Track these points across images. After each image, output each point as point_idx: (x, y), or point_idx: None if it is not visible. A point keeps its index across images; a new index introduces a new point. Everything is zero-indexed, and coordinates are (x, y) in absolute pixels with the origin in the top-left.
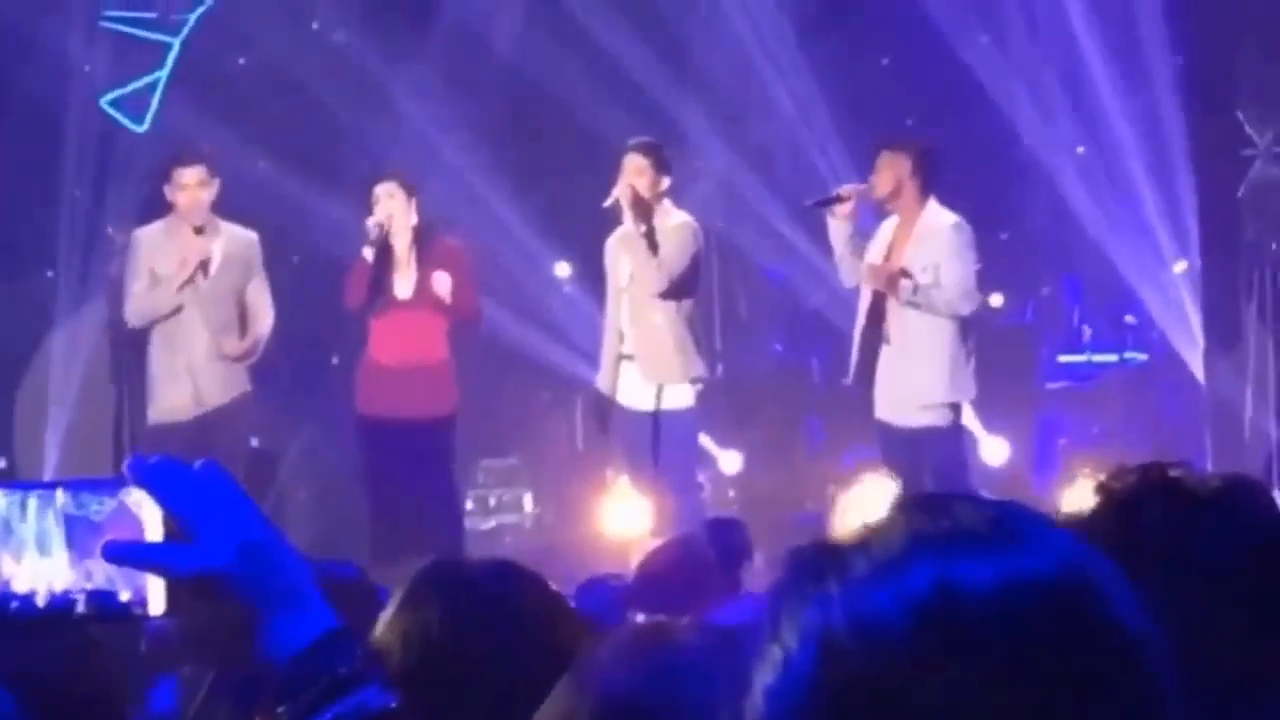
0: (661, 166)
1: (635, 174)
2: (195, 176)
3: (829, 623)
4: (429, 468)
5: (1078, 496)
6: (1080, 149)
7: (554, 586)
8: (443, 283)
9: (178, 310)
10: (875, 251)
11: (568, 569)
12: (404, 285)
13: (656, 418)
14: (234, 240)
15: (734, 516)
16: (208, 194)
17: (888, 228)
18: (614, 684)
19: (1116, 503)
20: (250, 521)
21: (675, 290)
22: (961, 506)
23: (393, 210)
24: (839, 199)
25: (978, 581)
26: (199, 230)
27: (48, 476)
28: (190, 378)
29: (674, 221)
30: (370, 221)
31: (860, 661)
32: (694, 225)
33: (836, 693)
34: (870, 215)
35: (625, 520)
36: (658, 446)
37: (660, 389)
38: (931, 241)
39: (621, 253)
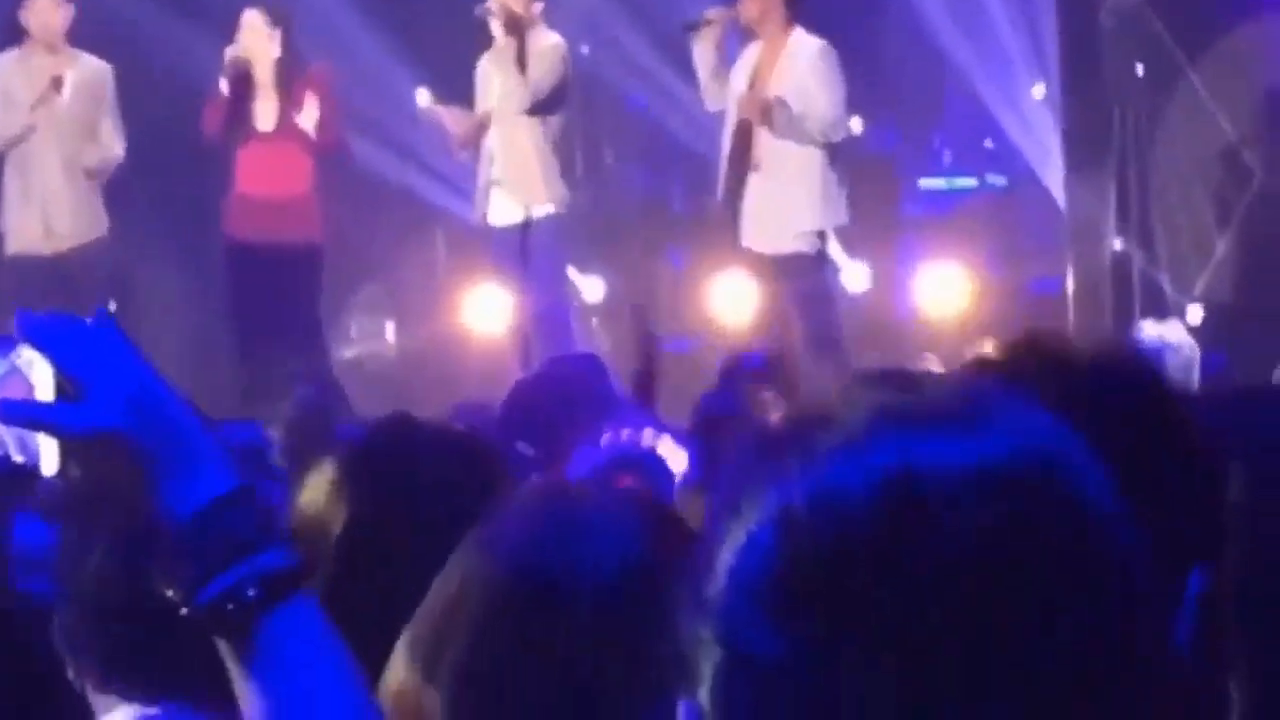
0: None
1: None
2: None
3: (791, 500)
4: (295, 298)
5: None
6: None
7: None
8: (307, 115)
9: (30, 133)
10: (740, 77)
11: (432, 387)
12: (266, 117)
13: (525, 228)
14: (87, 68)
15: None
16: (61, 16)
17: (752, 53)
18: (517, 546)
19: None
20: (143, 378)
21: (541, 109)
22: (930, 384)
23: (255, 40)
24: (706, 22)
25: (944, 461)
26: (52, 51)
27: None
28: (41, 204)
29: (545, 42)
30: (228, 51)
31: (822, 539)
32: (564, 47)
33: (798, 570)
34: (736, 41)
35: (489, 317)
36: (525, 254)
37: (528, 208)
38: (799, 68)
39: (492, 71)
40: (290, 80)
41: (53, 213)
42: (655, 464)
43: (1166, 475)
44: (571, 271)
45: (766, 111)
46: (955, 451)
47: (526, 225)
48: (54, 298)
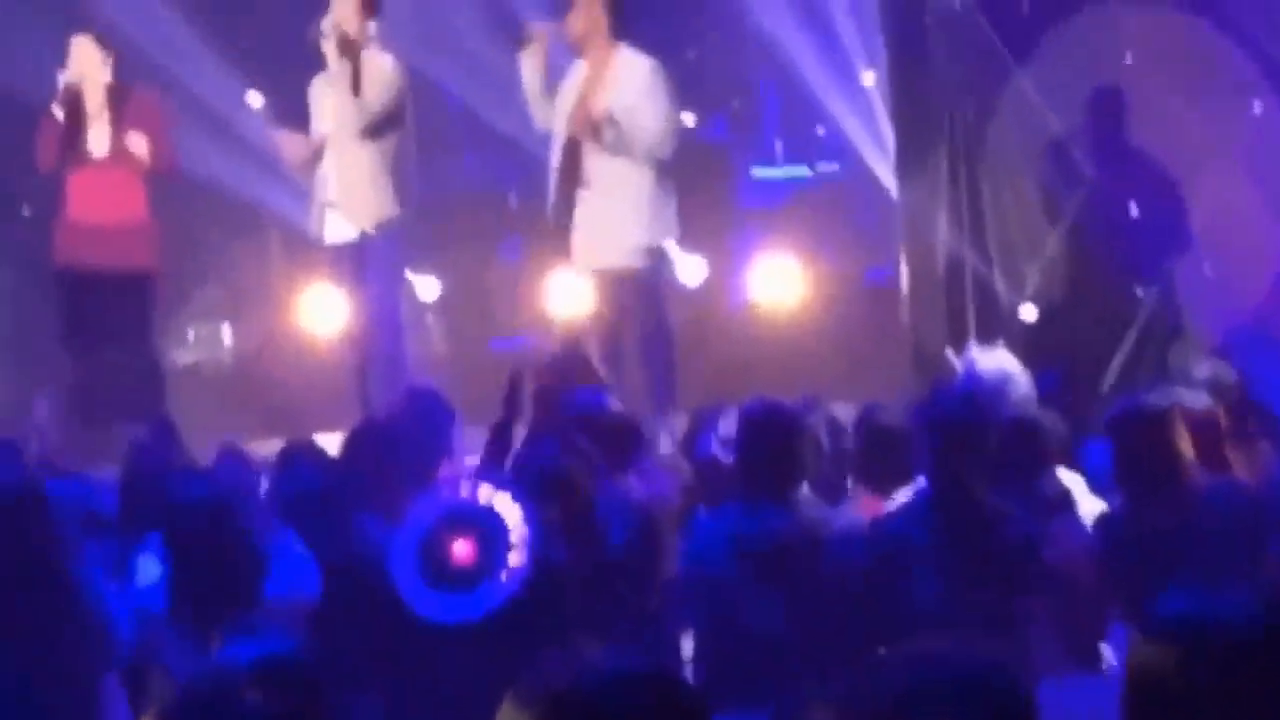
0: (369, 8)
1: (343, 14)
2: None
3: None
4: (129, 326)
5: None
6: None
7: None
8: (138, 142)
9: None
10: (567, 94)
11: (268, 390)
12: (99, 143)
13: (360, 242)
14: None
15: (429, 388)
16: None
17: (579, 70)
18: None
19: None
20: None
21: (375, 131)
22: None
23: (87, 66)
24: (531, 39)
25: None
26: None
27: None
28: None
29: (380, 64)
30: (61, 78)
31: None
32: (398, 68)
33: None
34: (564, 55)
35: (322, 318)
36: (361, 265)
37: (362, 227)
38: (626, 85)
39: (325, 94)
40: (121, 106)
41: None
42: (492, 521)
43: None
44: (406, 272)
45: (596, 128)
46: None
47: (361, 241)
48: None
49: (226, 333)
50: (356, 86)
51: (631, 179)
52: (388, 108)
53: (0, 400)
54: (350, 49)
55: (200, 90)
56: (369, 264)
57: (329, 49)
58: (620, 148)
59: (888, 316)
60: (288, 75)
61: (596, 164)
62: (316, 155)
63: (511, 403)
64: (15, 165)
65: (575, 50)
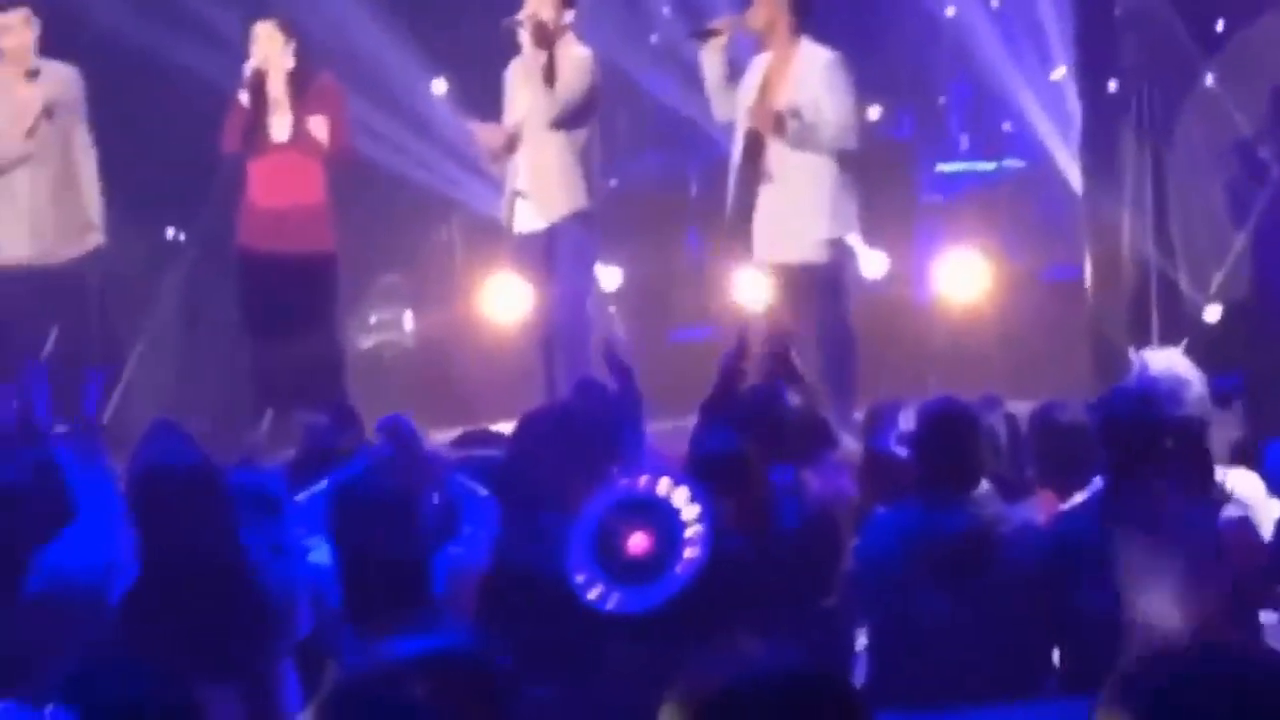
0: None
1: (540, 4)
2: (20, 16)
3: None
4: (309, 309)
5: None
6: None
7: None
8: (319, 126)
9: (23, 159)
10: (749, 88)
11: (449, 376)
12: (281, 128)
13: (549, 233)
14: (61, 83)
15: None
16: (33, 33)
17: (760, 64)
18: None
19: None
20: None
21: (568, 123)
22: None
23: (270, 52)
24: (713, 31)
25: None
26: (31, 75)
27: None
28: (29, 225)
29: (575, 54)
30: (247, 65)
31: None
32: (592, 60)
33: None
34: (746, 50)
35: (504, 306)
36: (550, 256)
37: (551, 217)
38: (808, 78)
39: (519, 83)
40: (303, 91)
41: (42, 233)
42: (668, 513)
43: None
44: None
45: (779, 122)
46: None
47: (550, 230)
48: (46, 308)
49: (408, 318)
50: (551, 77)
51: (814, 172)
52: (582, 99)
53: (175, 381)
54: (546, 39)
55: (385, 77)
56: (558, 254)
57: (524, 38)
58: (803, 141)
59: (1070, 313)
60: (472, 63)
61: (779, 158)
62: (510, 145)
63: (725, 379)
64: (203, 149)
65: (757, 43)
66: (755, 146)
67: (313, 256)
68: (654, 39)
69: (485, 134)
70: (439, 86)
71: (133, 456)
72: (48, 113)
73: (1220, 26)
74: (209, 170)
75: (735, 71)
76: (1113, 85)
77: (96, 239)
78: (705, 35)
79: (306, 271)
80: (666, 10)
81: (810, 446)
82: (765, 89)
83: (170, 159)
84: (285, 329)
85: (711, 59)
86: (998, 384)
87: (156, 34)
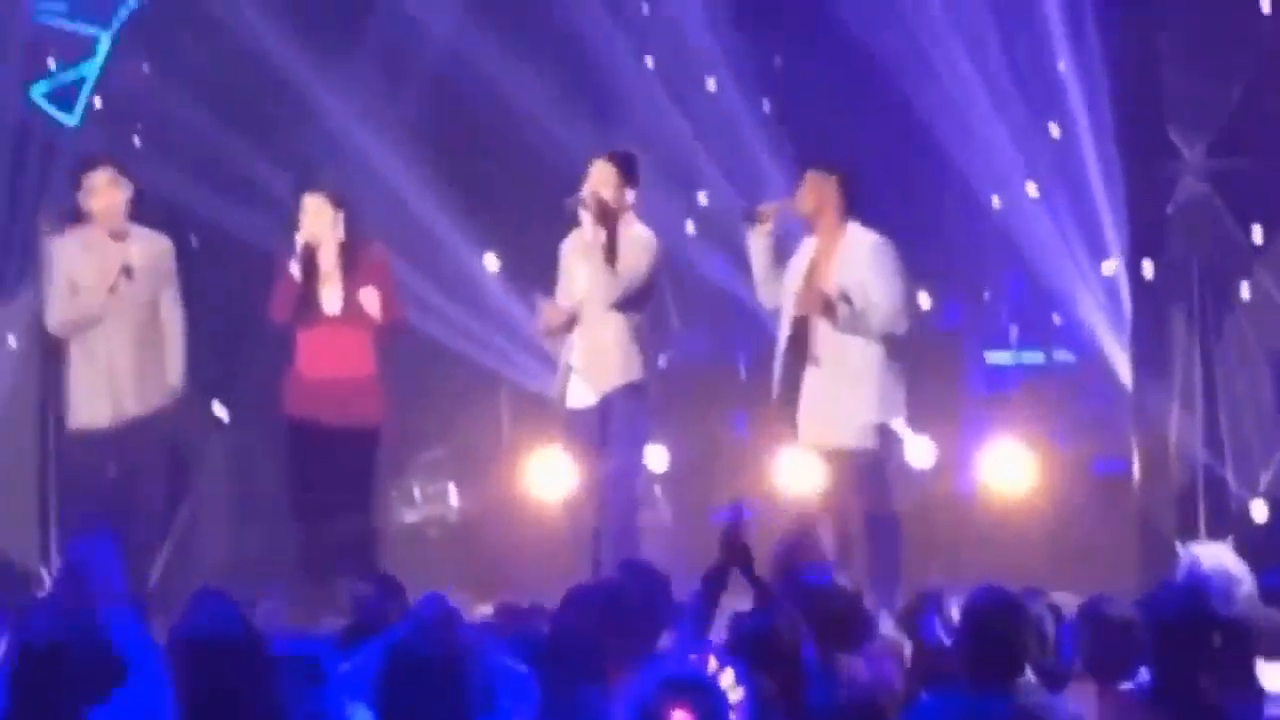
0: (629, 178)
1: (602, 182)
2: (105, 178)
3: None
4: (351, 482)
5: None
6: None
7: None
8: (370, 299)
9: (102, 318)
10: (796, 272)
11: (494, 553)
12: (331, 300)
13: (601, 408)
14: (149, 247)
15: (650, 565)
16: (122, 196)
17: (807, 248)
18: None
19: None
20: None
21: (629, 304)
22: None
23: (320, 225)
24: (762, 215)
25: None
26: (116, 236)
27: None
28: (110, 387)
29: (636, 234)
30: (299, 237)
31: None
32: (654, 241)
33: None
34: (795, 233)
35: (549, 483)
36: (603, 430)
37: (604, 393)
38: (856, 262)
39: (578, 260)
40: (354, 263)
41: (121, 396)
42: (713, 692)
43: None
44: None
45: (829, 306)
46: None
47: (604, 406)
48: (113, 468)
49: (453, 493)
50: (613, 256)
51: (862, 357)
52: (642, 280)
53: (220, 551)
54: (609, 218)
55: (435, 249)
56: (611, 430)
57: (585, 216)
58: (852, 325)
59: (1117, 507)
60: (524, 238)
61: (826, 341)
62: (570, 323)
63: (726, 549)
64: (250, 318)
65: (806, 227)
66: (802, 330)
67: (359, 430)
68: (704, 218)
69: (550, 312)
70: (491, 262)
71: (177, 623)
72: (126, 272)
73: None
74: (253, 341)
75: (782, 256)
76: (1163, 278)
77: (166, 402)
78: (753, 219)
79: (351, 445)
80: (711, 193)
81: (853, 633)
82: (812, 273)
83: (216, 329)
84: (327, 501)
85: (758, 243)
86: (1043, 575)
87: (206, 199)
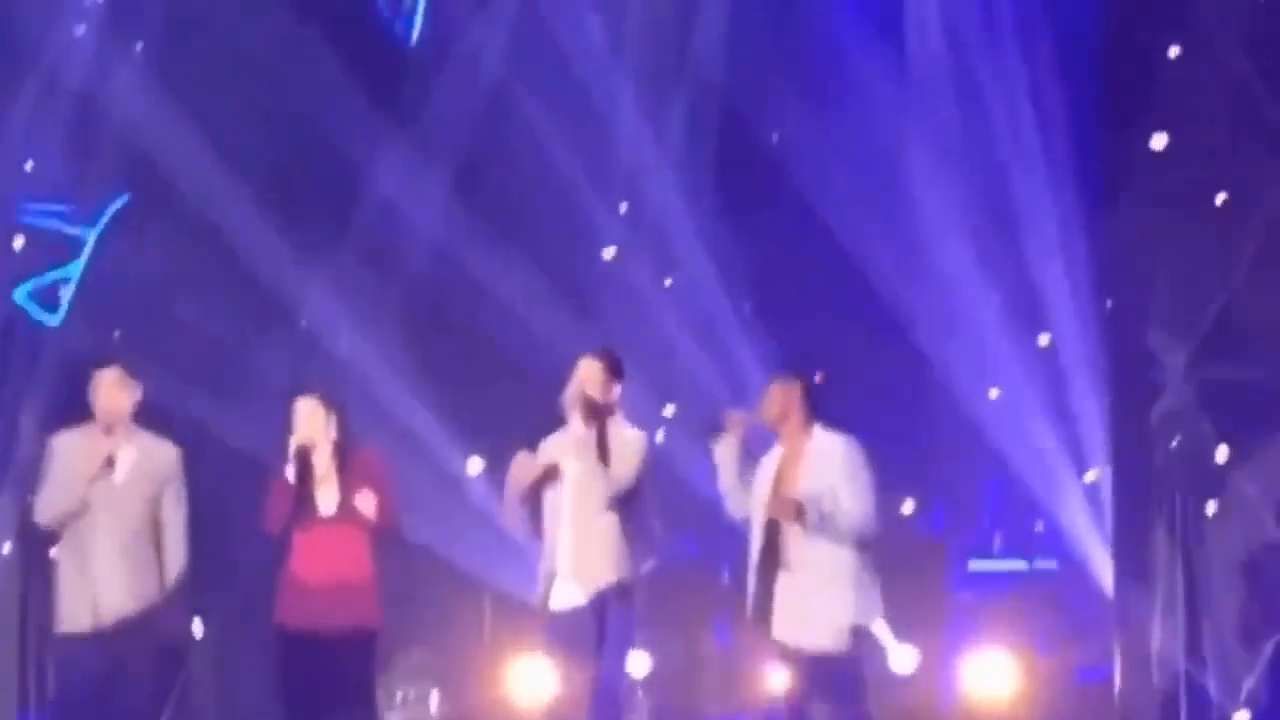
0: (615, 373)
1: (590, 380)
2: (111, 376)
3: None
4: (350, 686)
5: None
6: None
7: None
8: (366, 501)
9: (85, 513)
10: (764, 480)
11: None
12: (327, 502)
13: (587, 611)
14: (146, 449)
15: None
16: (126, 396)
17: (774, 455)
18: None
19: None
20: None
21: (619, 504)
22: None
23: (314, 427)
24: (725, 428)
25: None
26: (109, 431)
27: None
28: (94, 589)
29: (627, 435)
30: (292, 441)
31: None
32: (644, 439)
33: None
34: (759, 443)
35: (529, 689)
36: (590, 636)
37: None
38: (824, 466)
39: (565, 458)
40: (349, 464)
41: (103, 592)
42: None
43: None
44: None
45: (799, 512)
46: None
47: (594, 606)
48: (98, 672)
49: (434, 698)
50: (605, 455)
51: (834, 560)
52: (634, 480)
53: None
54: (598, 416)
55: (419, 450)
56: (602, 630)
57: (574, 417)
58: (823, 529)
59: (1100, 715)
60: (508, 439)
61: (797, 547)
62: (546, 480)
63: None
64: (234, 520)
65: (771, 435)
66: (774, 536)
67: (357, 632)
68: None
69: (524, 462)
70: (475, 465)
71: None
72: (108, 464)
73: (1255, 431)
74: (239, 543)
75: (748, 465)
76: (1145, 488)
77: (155, 601)
78: (718, 429)
79: (349, 649)
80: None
81: None
82: (780, 479)
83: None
84: (326, 708)
85: (724, 454)
86: None
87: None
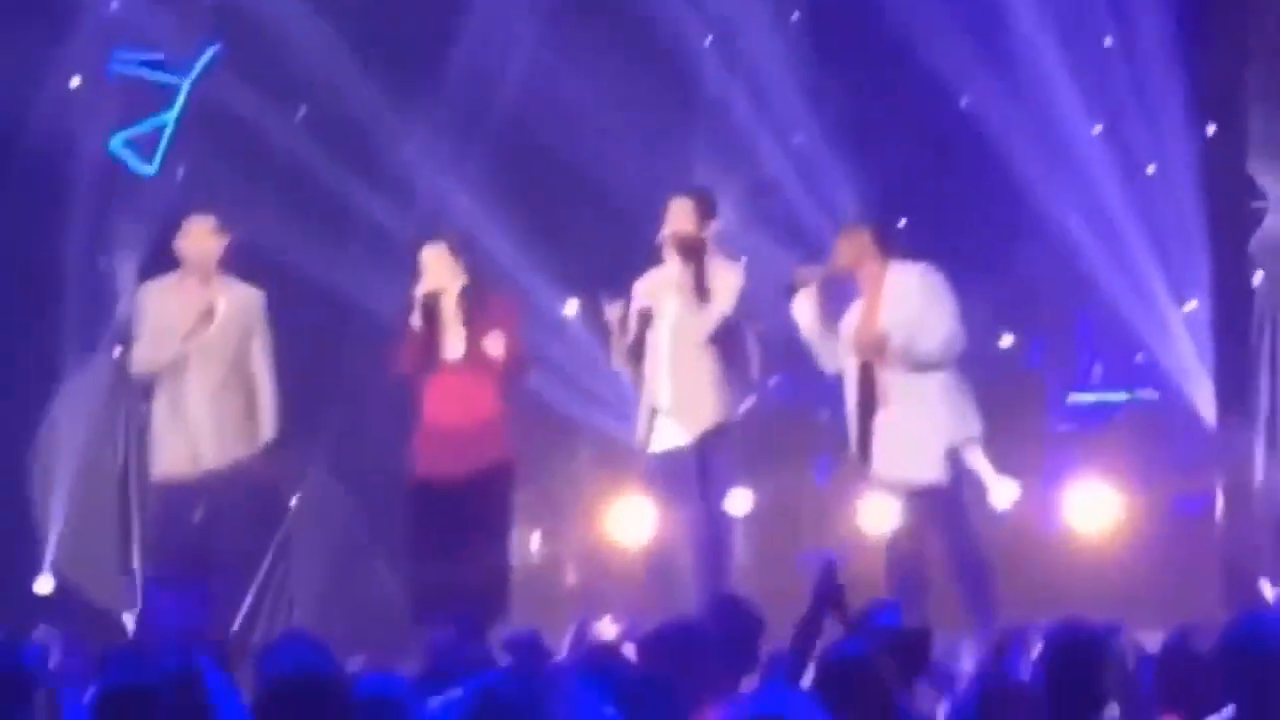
0: (708, 211)
1: (681, 219)
2: (205, 225)
3: None
4: (491, 522)
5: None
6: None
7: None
8: (494, 343)
9: (181, 364)
10: (849, 325)
11: (575, 597)
12: (454, 346)
13: (691, 451)
14: (237, 297)
15: (744, 599)
16: (216, 245)
17: (856, 304)
18: None
19: None
20: None
21: (719, 340)
22: None
23: (440, 273)
24: (801, 282)
25: None
26: (204, 282)
27: (54, 533)
28: (189, 435)
29: (728, 273)
30: (419, 290)
31: None
32: (741, 274)
33: None
34: (838, 300)
35: (631, 529)
36: (694, 475)
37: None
38: (905, 298)
39: (665, 297)
40: (476, 309)
41: (200, 444)
42: None
43: None
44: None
45: (880, 346)
46: None
47: (697, 448)
48: (197, 520)
49: (535, 539)
50: (703, 292)
51: (923, 386)
52: (732, 315)
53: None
54: (694, 254)
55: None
56: (705, 470)
57: (670, 254)
58: (909, 357)
59: (1200, 546)
60: (599, 268)
61: (890, 382)
62: (643, 322)
63: (820, 596)
64: (330, 369)
65: (850, 281)
66: (867, 378)
67: (489, 470)
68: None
69: (612, 314)
70: (571, 307)
71: (264, 663)
72: (207, 316)
73: None
74: (338, 392)
75: (833, 318)
76: (1246, 317)
77: (251, 453)
78: (792, 290)
79: (484, 487)
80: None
81: (922, 665)
82: (863, 320)
83: (297, 379)
84: (461, 548)
85: (803, 311)
86: (1125, 615)
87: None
